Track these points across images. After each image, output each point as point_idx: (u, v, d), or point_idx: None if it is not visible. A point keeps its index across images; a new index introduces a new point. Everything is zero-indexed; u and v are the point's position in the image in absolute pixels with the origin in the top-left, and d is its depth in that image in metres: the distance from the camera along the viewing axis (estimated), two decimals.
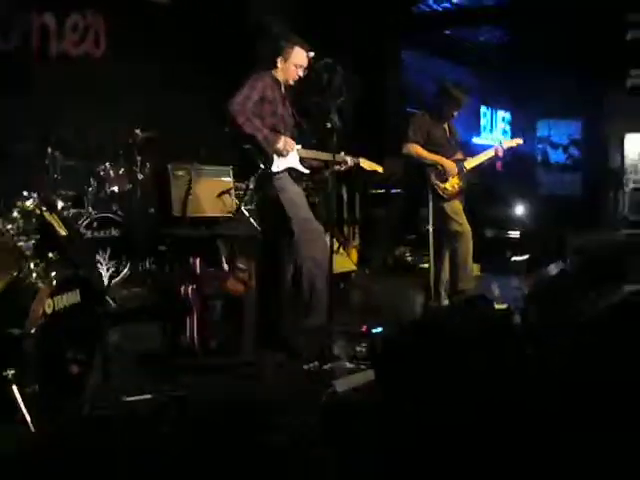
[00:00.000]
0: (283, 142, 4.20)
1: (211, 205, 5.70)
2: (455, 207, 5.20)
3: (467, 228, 5.20)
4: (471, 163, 5.29)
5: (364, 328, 4.60)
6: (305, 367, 3.85)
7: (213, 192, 5.57)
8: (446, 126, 5.37)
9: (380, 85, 9.43)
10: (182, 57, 6.89)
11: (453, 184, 5.16)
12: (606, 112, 10.86)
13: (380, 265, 7.56)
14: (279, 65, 4.37)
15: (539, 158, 11.22)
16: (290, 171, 4.28)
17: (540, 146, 11.11)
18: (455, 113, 5.26)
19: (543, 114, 11.01)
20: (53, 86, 5.76)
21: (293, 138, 4.37)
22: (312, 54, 4.30)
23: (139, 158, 5.55)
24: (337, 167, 4.30)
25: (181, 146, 6.30)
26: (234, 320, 3.84)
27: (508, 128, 11.40)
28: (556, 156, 10.96)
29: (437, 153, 5.17)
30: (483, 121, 10.76)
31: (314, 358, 3.90)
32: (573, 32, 9.87)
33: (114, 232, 5.10)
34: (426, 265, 6.93)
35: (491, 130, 10.95)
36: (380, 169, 4.66)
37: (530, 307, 4.50)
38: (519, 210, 9.29)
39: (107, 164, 5.27)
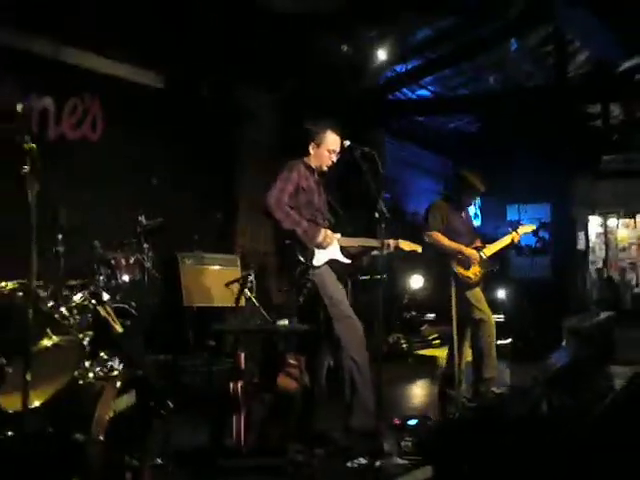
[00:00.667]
0: (323, 235, 4.10)
1: (219, 295, 5.53)
2: (478, 295, 5.16)
3: (490, 315, 5.15)
4: (490, 250, 5.28)
5: (397, 421, 4.45)
6: (350, 465, 3.70)
7: (220, 281, 5.40)
8: (463, 214, 5.39)
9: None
10: (177, 140, 6.84)
11: (475, 272, 5.13)
12: (572, 196, 11.20)
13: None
14: (312, 152, 4.31)
15: None
16: (331, 263, 4.16)
17: (510, 229, 11.27)
18: (473, 201, 5.29)
19: (512, 199, 11.27)
20: (52, 170, 5.57)
21: (331, 227, 4.28)
22: (348, 143, 4.25)
23: (146, 246, 5.34)
24: (378, 252, 4.18)
25: (182, 232, 6.19)
26: (283, 417, 3.63)
27: (479, 212, 11.61)
28: (527, 239, 11.16)
29: (456, 241, 5.14)
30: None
31: (363, 455, 3.74)
32: (540, 121, 10.27)
33: (127, 323, 4.84)
34: (423, 352, 6.85)
35: None
36: (419, 249, 4.58)
37: (553, 393, 4.45)
38: (500, 294, 9.35)
39: (117, 252, 5.05)
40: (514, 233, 5.45)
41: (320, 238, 4.07)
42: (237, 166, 7.68)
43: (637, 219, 14.08)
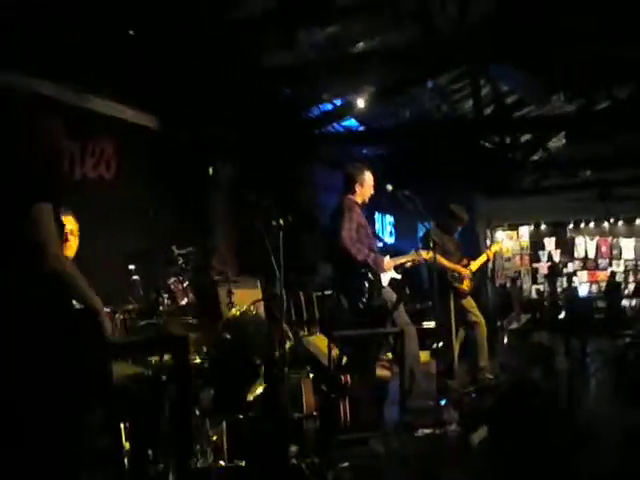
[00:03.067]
0: (387, 263, 5.11)
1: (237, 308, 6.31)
2: (470, 302, 6.36)
3: (482, 318, 6.36)
4: (474, 266, 6.49)
5: (432, 402, 5.49)
6: (418, 434, 4.76)
7: (247, 301, 6.20)
8: (452, 238, 6.57)
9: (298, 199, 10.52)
10: (166, 175, 7.53)
11: (467, 284, 6.31)
12: (474, 213, 12.74)
13: None
14: (357, 190, 5.31)
15: None
16: (391, 281, 5.17)
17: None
18: (459, 228, 6.49)
19: (422, 217, 12.58)
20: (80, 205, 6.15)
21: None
22: (390, 187, 5.29)
23: (183, 273, 6.04)
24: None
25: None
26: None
27: (393, 230, 12.90)
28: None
29: (449, 260, 6.31)
30: (377, 225, 12.13)
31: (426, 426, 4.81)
32: (445, 148, 11.78)
33: None
34: None
35: (382, 232, 12.35)
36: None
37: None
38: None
39: (173, 278, 5.73)
40: (488, 251, 6.71)
41: (386, 265, 5.08)
42: (210, 196, 8.49)
43: (519, 232, 16.05)
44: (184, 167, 7.73)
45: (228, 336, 3.83)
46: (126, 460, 2.96)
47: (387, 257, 5.32)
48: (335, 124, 11.08)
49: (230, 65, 7.68)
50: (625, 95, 10.82)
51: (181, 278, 5.87)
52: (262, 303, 6.17)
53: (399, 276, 5.34)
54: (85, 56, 6.24)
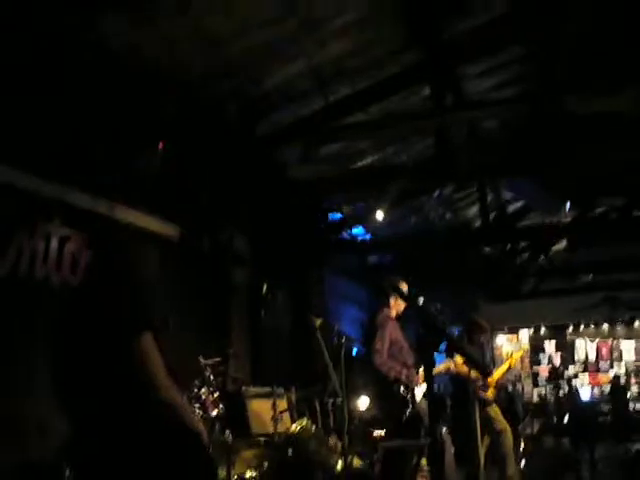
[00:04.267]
0: (418, 379, 5.22)
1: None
2: (496, 410, 6.40)
3: (507, 425, 6.39)
4: (497, 374, 6.59)
5: None
6: None
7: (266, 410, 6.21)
8: (475, 348, 6.69)
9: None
10: (188, 282, 7.68)
11: (491, 392, 6.38)
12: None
13: None
14: (392, 302, 5.46)
15: None
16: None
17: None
18: (481, 338, 6.64)
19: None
20: None
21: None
22: (422, 300, 5.45)
23: (214, 383, 6.09)
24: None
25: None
26: None
27: None
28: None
29: (474, 368, 6.39)
30: None
31: None
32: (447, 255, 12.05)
33: None
34: None
35: None
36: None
37: None
38: None
39: (203, 389, 5.78)
40: (510, 359, 6.82)
41: (418, 381, 5.18)
42: (232, 302, 8.61)
43: (519, 335, 16.14)
44: (203, 276, 7.89)
45: (290, 451, 3.86)
46: None
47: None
48: (344, 233, 11.35)
49: (248, 176, 7.97)
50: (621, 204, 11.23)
51: (211, 389, 5.93)
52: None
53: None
54: (114, 169, 6.50)
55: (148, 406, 2.14)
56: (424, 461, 5.25)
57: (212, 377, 6.09)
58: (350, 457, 3.64)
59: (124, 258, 2.34)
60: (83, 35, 5.25)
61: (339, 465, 3.59)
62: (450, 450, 5.21)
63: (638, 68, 6.27)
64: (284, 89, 6.85)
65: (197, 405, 5.67)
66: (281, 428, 5.95)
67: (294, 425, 4.02)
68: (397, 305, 5.50)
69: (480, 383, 6.38)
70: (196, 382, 6.02)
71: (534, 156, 7.06)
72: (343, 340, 4.39)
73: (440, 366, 5.57)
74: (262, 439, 4.00)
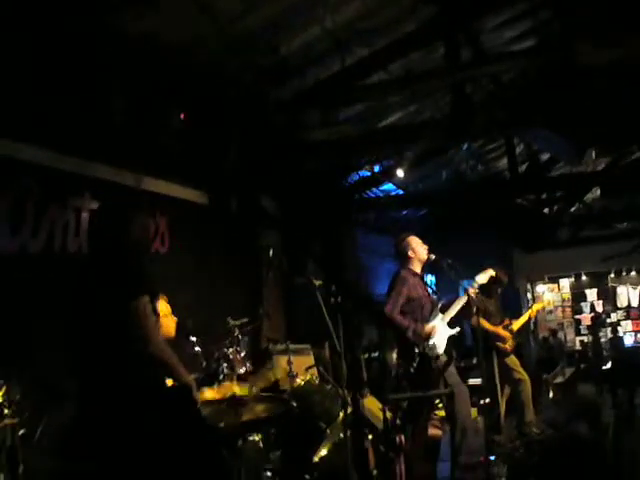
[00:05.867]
0: (427, 330, 5.39)
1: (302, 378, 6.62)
2: (514, 360, 6.60)
3: (526, 375, 6.59)
4: (516, 326, 6.76)
5: (482, 459, 5.70)
6: None
7: (301, 366, 6.51)
8: (493, 300, 6.85)
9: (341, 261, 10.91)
10: (217, 246, 7.98)
11: (510, 344, 6.58)
12: (512, 268, 12.99)
13: None
14: (411, 257, 5.64)
15: None
16: (448, 343, 5.46)
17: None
18: (499, 290, 6.79)
19: (464, 275, 12.86)
20: None
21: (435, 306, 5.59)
22: (434, 256, 5.62)
23: (240, 343, 6.40)
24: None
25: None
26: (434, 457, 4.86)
27: (434, 288, 13.12)
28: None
29: (491, 321, 6.59)
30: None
31: None
32: (478, 207, 12.11)
33: None
34: None
35: None
36: None
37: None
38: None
39: (231, 348, 6.10)
40: (530, 310, 6.98)
41: (425, 334, 5.36)
42: (262, 263, 8.90)
43: (560, 284, 16.17)
44: (232, 238, 8.17)
45: (295, 404, 4.16)
46: None
47: (440, 315, 5.61)
48: (374, 189, 11.51)
49: (273, 140, 8.17)
50: None
51: (238, 348, 6.24)
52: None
53: (456, 330, 5.63)
54: (139, 140, 6.75)
55: (141, 360, 2.42)
56: (440, 412, 5.49)
57: (240, 337, 6.39)
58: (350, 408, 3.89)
59: (118, 226, 2.60)
60: (105, 19, 5.47)
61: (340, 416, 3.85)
62: (464, 399, 5.41)
63: None
64: (301, 55, 6.99)
65: (225, 364, 5.97)
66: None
67: (299, 379, 4.31)
68: (417, 257, 5.68)
69: (499, 335, 6.58)
70: (226, 342, 6.35)
71: (550, 108, 7.09)
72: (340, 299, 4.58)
73: (458, 303, 5.73)
74: (271, 394, 4.26)
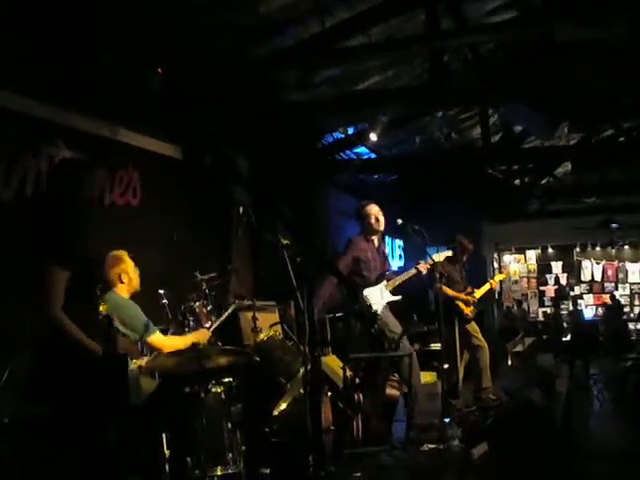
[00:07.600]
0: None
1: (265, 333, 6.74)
2: (474, 327, 6.78)
3: (484, 342, 6.78)
4: (479, 294, 6.94)
5: (436, 420, 5.90)
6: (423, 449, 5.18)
7: (266, 323, 6.63)
8: (457, 267, 7.01)
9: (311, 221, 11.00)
10: (190, 201, 8.01)
11: (471, 310, 6.75)
12: (480, 238, 13.17)
13: None
14: (366, 226, 5.78)
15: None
16: (387, 305, 5.61)
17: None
18: (465, 257, 6.95)
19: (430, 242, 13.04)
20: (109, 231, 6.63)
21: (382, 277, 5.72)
22: (400, 221, 5.74)
23: (209, 297, 6.48)
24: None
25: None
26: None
27: (402, 253, 13.33)
28: None
29: (454, 288, 6.76)
30: (387, 248, 12.57)
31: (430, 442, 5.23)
32: (452, 175, 12.23)
33: None
34: None
35: (392, 256, 12.77)
36: None
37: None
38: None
39: (198, 302, 6.18)
40: (492, 280, 7.15)
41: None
42: (233, 220, 8.95)
43: (526, 255, 16.45)
44: (204, 194, 8.20)
45: (257, 358, 4.28)
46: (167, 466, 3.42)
47: (384, 282, 5.79)
48: (348, 151, 11.56)
49: (250, 99, 8.17)
50: (629, 125, 11.30)
51: (205, 302, 6.33)
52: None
53: (397, 298, 5.83)
54: (116, 91, 6.72)
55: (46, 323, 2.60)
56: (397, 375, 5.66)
57: (207, 291, 6.47)
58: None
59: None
60: None
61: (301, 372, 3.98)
62: (415, 364, 5.61)
63: None
64: (281, 15, 6.97)
65: (191, 318, 6.06)
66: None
67: (262, 334, 4.45)
68: (373, 225, 5.85)
69: (461, 301, 6.77)
70: (192, 296, 6.43)
71: (526, 81, 7.17)
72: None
73: (405, 275, 5.92)
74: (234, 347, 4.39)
